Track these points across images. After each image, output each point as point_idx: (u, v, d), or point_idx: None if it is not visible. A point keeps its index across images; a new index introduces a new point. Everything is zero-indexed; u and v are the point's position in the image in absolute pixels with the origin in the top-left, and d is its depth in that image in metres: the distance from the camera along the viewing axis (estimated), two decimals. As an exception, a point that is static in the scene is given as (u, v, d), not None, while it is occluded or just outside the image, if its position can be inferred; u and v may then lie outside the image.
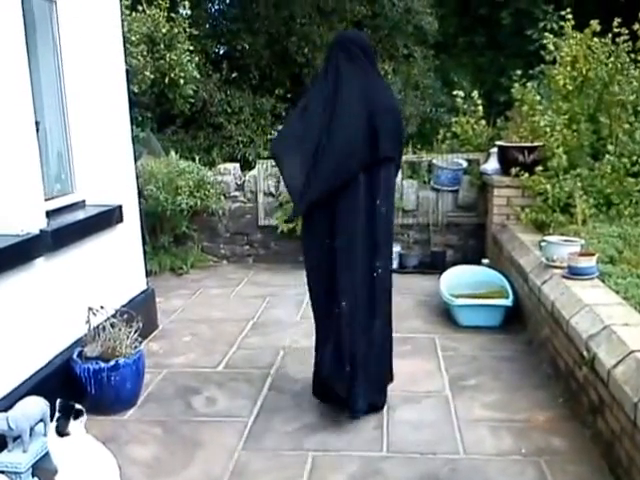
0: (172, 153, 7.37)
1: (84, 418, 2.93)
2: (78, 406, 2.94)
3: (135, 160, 5.07)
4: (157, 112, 8.26)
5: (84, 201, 4.39)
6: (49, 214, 3.78)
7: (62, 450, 2.82)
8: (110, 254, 4.44)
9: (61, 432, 2.84)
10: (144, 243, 5.31)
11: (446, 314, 5.16)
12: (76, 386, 3.57)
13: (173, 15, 7.96)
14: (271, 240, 7.13)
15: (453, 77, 12.31)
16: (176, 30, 7.83)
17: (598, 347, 3.20)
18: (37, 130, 3.70)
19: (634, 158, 5.56)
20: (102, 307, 3.85)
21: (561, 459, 3.14)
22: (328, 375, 3.53)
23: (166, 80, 7.64)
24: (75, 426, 2.87)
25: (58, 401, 2.93)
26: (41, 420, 3.07)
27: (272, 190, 7.10)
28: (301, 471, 3.12)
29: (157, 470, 3.17)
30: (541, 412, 3.59)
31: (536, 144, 5.84)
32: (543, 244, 4.65)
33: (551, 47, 6.56)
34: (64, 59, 4.21)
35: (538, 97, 6.22)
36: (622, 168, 5.52)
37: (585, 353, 3.30)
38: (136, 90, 6.97)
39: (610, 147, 5.68)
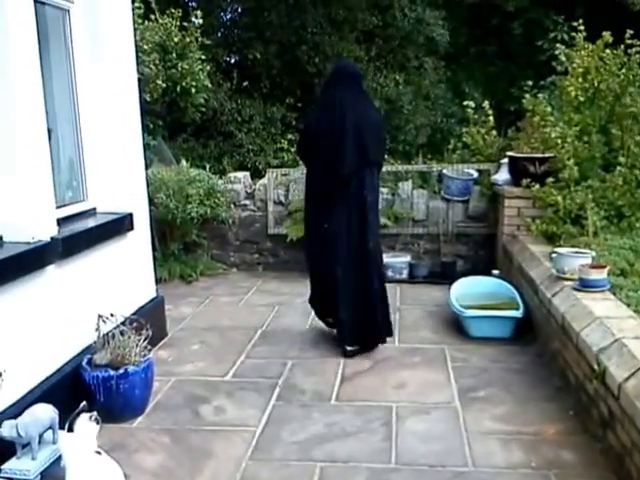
0: (183, 161, 7.40)
1: (97, 427, 2.93)
2: (95, 415, 2.95)
3: (146, 168, 5.10)
4: (168, 120, 8.28)
5: (95, 209, 4.41)
6: (60, 222, 3.80)
7: (71, 453, 2.82)
8: (120, 262, 4.46)
9: (70, 427, 2.86)
10: (154, 251, 5.33)
11: (456, 325, 5.14)
12: (85, 393, 3.55)
13: (185, 24, 8.01)
14: (280, 249, 7.14)
15: (464, 88, 12.30)
16: (188, 39, 7.88)
17: (609, 360, 3.18)
18: (49, 137, 3.72)
19: (645, 170, 5.54)
20: (112, 315, 3.86)
21: (571, 473, 3.11)
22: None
23: (178, 89, 7.68)
24: (84, 426, 2.87)
25: (83, 403, 2.96)
26: (50, 427, 3.08)
27: (282, 199, 7.12)
28: (309, 482, 3.11)
29: (165, 479, 3.16)
30: (551, 425, 3.56)
31: (547, 155, 5.83)
32: (554, 256, 4.62)
33: (562, 58, 6.55)
34: (76, 67, 4.25)
35: (549, 108, 6.21)
36: (634, 180, 5.50)
37: (596, 366, 3.28)
38: (148, 98, 7.01)
39: (622, 159, 5.65)
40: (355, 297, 4.60)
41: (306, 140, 4.86)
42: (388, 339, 4.88)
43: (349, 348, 4.63)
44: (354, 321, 4.61)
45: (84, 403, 2.97)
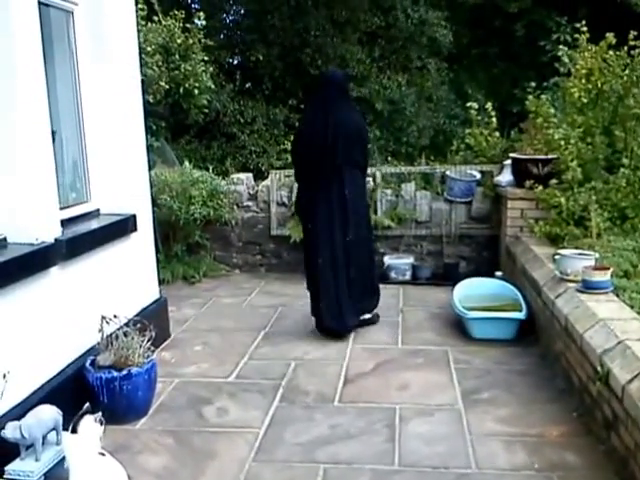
0: (186, 163, 7.41)
1: (101, 429, 2.93)
2: (100, 416, 2.95)
3: (149, 169, 5.10)
4: (171, 122, 8.31)
5: (99, 210, 4.42)
6: (64, 223, 3.80)
7: (74, 454, 2.82)
8: (124, 263, 4.46)
9: (74, 428, 2.85)
10: (157, 252, 5.33)
11: (459, 326, 5.13)
12: (88, 395, 3.56)
13: (188, 26, 8.02)
14: (283, 250, 7.14)
15: (467, 89, 12.30)
16: (191, 41, 7.90)
17: (612, 362, 3.17)
18: (53, 139, 3.73)
19: (649, 172, 5.53)
20: (115, 316, 3.87)
21: (574, 475, 3.10)
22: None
23: (181, 90, 7.70)
24: (88, 427, 2.87)
25: (86, 405, 2.97)
26: (54, 429, 3.08)
27: (285, 200, 7.11)
28: (312, 483, 3.11)
29: (168, 480, 3.17)
30: (555, 427, 3.55)
31: (550, 157, 5.82)
32: (557, 257, 4.62)
33: (565, 59, 6.54)
34: (80, 69, 4.25)
35: (552, 109, 6.20)
36: (637, 181, 5.48)
37: (599, 368, 3.27)
38: (151, 100, 7.02)
39: (625, 160, 5.65)
40: (333, 284, 4.90)
41: (301, 139, 5.10)
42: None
43: (327, 325, 4.96)
44: (333, 305, 4.90)
45: (87, 404, 2.98)
